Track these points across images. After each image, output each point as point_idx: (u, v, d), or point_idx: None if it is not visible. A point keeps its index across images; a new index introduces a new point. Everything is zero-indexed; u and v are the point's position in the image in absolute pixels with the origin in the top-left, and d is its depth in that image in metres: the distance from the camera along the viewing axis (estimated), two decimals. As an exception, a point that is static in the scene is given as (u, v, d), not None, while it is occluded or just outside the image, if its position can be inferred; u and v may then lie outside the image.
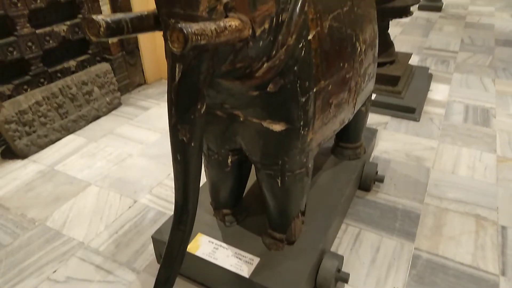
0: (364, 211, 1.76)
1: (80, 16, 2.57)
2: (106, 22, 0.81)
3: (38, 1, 2.31)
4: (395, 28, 4.43)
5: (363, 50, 1.34)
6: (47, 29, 2.39)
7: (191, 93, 0.87)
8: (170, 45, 0.71)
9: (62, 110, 2.42)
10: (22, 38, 2.25)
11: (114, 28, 0.84)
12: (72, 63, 2.61)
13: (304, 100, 1.05)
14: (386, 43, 2.80)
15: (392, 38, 2.95)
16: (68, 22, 2.51)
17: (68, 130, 2.46)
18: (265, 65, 0.98)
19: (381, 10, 2.52)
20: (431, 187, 1.91)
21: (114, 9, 2.74)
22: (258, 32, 0.88)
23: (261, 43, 0.91)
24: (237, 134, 1.20)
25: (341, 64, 1.19)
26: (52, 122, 2.37)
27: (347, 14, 1.20)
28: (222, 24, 0.77)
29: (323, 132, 1.22)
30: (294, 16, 0.97)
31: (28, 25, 2.27)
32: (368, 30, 1.39)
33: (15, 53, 2.23)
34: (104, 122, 2.62)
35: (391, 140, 2.32)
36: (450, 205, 1.79)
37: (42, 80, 2.42)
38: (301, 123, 1.08)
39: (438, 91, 2.95)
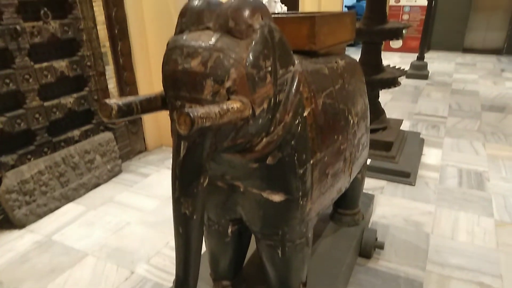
0: (366, 280, 1.72)
1: (87, 89, 2.72)
2: (118, 105, 0.89)
3: (49, 76, 2.46)
4: (385, 95, 4.66)
5: (356, 122, 1.42)
6: (55, 101, 2.51)
7: (194, 168, 0.92)
8: (178, 127, 0.77)
9: (63, 178, 2.46)
10: (31, 111, 2.35)
11: (125, 111, 0.91)
12: (76, 132, 2.70)
13: (301, 171, 1.10)
14: (377, 111, 2.94)
15: (383, 105, 3.11)
16: (75, 95, 2.64)
17: (68, 199, 2.47)
18: (264, 140, 1.05)
19: (371, 81, 2.69)
20: (432, 253, 1.89)
21: (120, 83, 2.90)
22: (257, 111, 0.95)
23: (260, 121, 0.99)
24: (238, 204, 1.23)
25: (336, 137, 1.26)
26: (52, 190, 2.39)
27: (339, 91, 1.30)
28: (225, 106, 0.84)
29: (321, 202, 1.25)
30: (290, 96, 1.05)
31: (37, 98, 2.39)
32: (359, 103, 1.49)
33: (22, 124, 2.32)
34: (104, 190, 2.64)
35: (389, 205, 2.34)
36: (452, 273, 1.76)
37: (46, 149, 2.48)
38: (300, 193, 1.12)
39: (431, 155, 3.03)
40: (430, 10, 5.47)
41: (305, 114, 1.10)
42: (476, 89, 4.97)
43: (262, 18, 0.96)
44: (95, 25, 2.66)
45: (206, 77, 0.90)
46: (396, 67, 2.97)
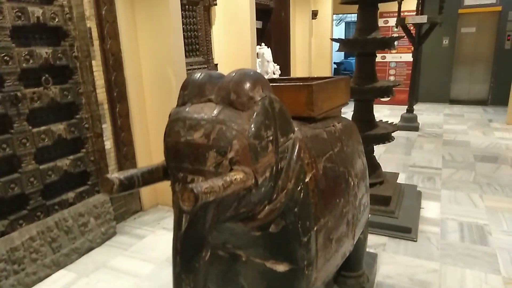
0: None
1: (84, 150, 2.72)
2: (120, 180, 0.88)
3: (46, 139, 2.47)
4: (379, 148, 4.72)
5: (356, 183, 1.42)
6: (51, 164, 2.50)
7: (196, 242, 0.90)
8: (181, 203, 0.76)
9: (55, 244, 2.37)
10: (26, 175, 2.33)
11: (127, 184, 0.90)
12: (70, 194, 2.65)
13: (306, 239, 1.08)
14: (373, 165, 2.96)
15: (377, 157, 3.14)
16: (71, 157, 2.63)
17: (59, 265, 2.37)
18: (266, 208, 1.04)
19: (365, 137, 2.74)
20: (442, 317, 1.81)
21: (117, 143, 2.92)
22: (260, 180, 0.95)
23: (263, 189, 0.98)
24: (239, 275, 1.18)
25: (338, 200, 1.25)
26: (43, 257, 2.29)
27: (338, 154, 1.31)
28: (228, 178, 0.84)
29: (326, 269, 1.21)
30: (292, 163, 1.06)
31: (33, 161, 2.37)
32: (358, 164, 1.50)
33: (16, 189, 2.28)
34: (97, 254, 2.55)
35: (392, 263, 2.27)
36: (466, 338, 1.67)
37: (39, 213, 2.42)
38: (305, 262, 1.09)
39: (429, 209, 3.01)
40: (416, 64, 5.74)
41: (307, 179, 1.10)
42: (466, 139, 5.07)
43: (262, 90, 0.99)
44: (95, 89, 2.73)
45: (209, 149, 0.90)
46: (388, 122, 3.04)
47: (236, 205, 0.95)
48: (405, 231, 2.60)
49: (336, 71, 9.33)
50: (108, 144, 2.88)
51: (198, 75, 1.06)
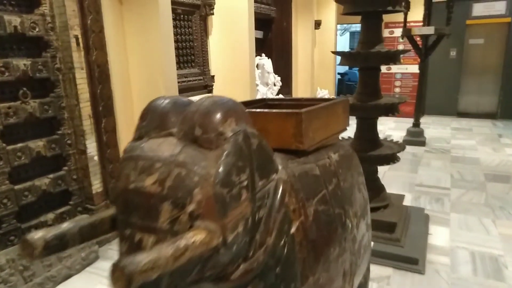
0: None
1: (66, 168, 2.54)
2: (45, 241, 0.68)
3: (23, 157, 2.29)
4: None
5: (355, 224, 1.22)
6: (28, 184, 2.31)
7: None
8: (112, 284, 0.56)
9: (27, 272, 2.17)
10: (-2, 196, 2.15)
11: (56, 245, 0.70)
12: (50, 216, 2.47)
13: (290, 305, 0.87)
14: (377, 188, 2.75)
15: (381, 176, 2.92)
16: (51, 175, 2.45)
17: (31, 296, 2.17)
18: (241, 267, 0.83)
19: (368, 158, 2.53)
20: None
21: (103, 161, 2.73)
22: (230, 238, 0.75)
23: (235, 247, 0.78)
24: None
25: (332, 249, 1.04)
26: (13, 288, 2.10)
27: (334, 192, 1.11)
28: (182, 243, 0.64)
29: (317, 335, 1.00)
30: (273, 211, 0.86)
31: (7, 181, 2.19)
32: (358, 200, 1.30)
33: (-14, 211, 2.10)
34: (75, 282, 2.34)
35: (398, 301, 2.05)
36: None
37: (12, 237, 2.24)
38: (289, 334, 0.88)
39: (438, 235, 2.78)
40: (422, 77, 5.54)
41: (293, 230, 0.90)
42: (476, 156, 4.83)
43: (236, 123, 0.79)
44: (79, 102, 2.55)
45: (163, 200, 0.71)
46: (393, 138, 2.83)
47: (199, 268, 0.75)
48: (412, 262, 2.38)
49: (340, 82, 9.14)
50: (96, 159, 2.70)
51: (160, 101, 0.87)
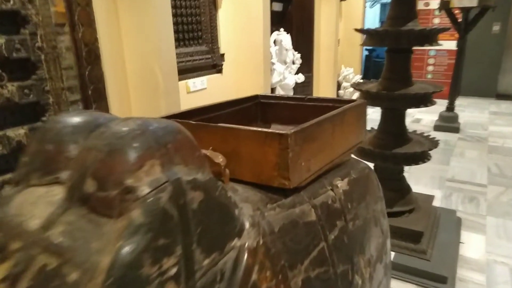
0: None
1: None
2: None
3: (0, 147, 2.06)
4: (411, 154, 4.08)
5: (367, 276, 0.89)
6: (6, 176, 2.09)
7: None
8: None
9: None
10: (-27, 191, 1.93)
11: None
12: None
13: None
14: (402, 189, 2.39)
15: (407, 167, 2.53)
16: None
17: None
18: None
19: (393, 156, 2.16)
20: None
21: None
22: None
23: None
24: None
25: (330, 328, 0.73)
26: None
27: (337, 242, 0.78)
28: None
29: None
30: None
31: (-17, 175, 1.97)
32: (374, 238, 0.96)
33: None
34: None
35: (420, 331, 1.73)
36: None
37: None
38: None
39: (471, 245, 2.41)
40: (460, 55, 4.95)
41: (265, 323, 0.58)
42: (517, 146, 4.32)
43: (162, 168, 0.47)
44: (65, 86, 2.28)
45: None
46: (425, 134, 2.43)
47: None
48: (440, 281, 2.04)
49: (368, 59, 8.52)
50: (84, 150, 2.46)
51: (62, 119, 0.56)
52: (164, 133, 0.50)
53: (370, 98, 2.16)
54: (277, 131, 0.66)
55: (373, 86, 2.27)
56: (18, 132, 2.13)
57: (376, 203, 1.02)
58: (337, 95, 5.80)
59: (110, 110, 2.51)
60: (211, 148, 0.73)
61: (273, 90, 4.51)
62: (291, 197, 0.72)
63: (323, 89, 5.50)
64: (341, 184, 0.86)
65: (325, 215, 0.76)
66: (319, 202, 0.76)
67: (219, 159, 0.69)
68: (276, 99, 1.16)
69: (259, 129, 0.69)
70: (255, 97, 1.16)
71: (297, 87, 4.95)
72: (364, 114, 1.00)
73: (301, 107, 1.07)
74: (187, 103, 3.22)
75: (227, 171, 0.69)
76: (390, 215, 2.27)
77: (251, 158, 0.69)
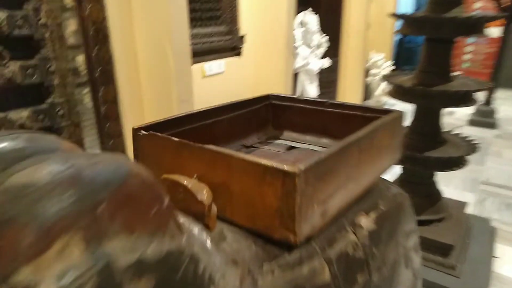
0: None
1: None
2: None
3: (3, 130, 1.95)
4: (442, 150, 3.78)
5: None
6: (9, 161, 2.00)
7: None
8: None
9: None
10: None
11: None
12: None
13: None
14: (432, 195, 2.16)
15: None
16: (39, 151, 2.12)
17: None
18: None
19: (424, 160, 1.93)
20: None
21: (101, 136, 2.36)
22: None
23: None
24: None
25: None
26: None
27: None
28: None
29: None
30: None
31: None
32: (404, 283, 0.77)
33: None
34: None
35: None
36: None
37: None
38: None
39: (507, 261, 2.17)
40: (505, 42, 4.51)
41: None
42: (562, 147, 3.94)
43: (85, 247, 0.29)
44: (71, 67, 2.14)
45: None
46: (463, 136, 2.17)
47: None
48: (469, 302, 1.83)
49: (400, 44, 8.03)
50: (91, 135, 2.33)
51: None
52: (99, 186, 0.32)
53: (402, 93, 1.92)
54: (281, 167, 0.47)
55: (407, 79, 2.01)
56: (21, 115, 2.02)
57: (408, 238, 0.82)
58: (365, 83, 5.48)
59: (119, 95, 2.37)
60: (196, 176, 0.55)
61: (296, 75, 4.26)
62: (297, 249, 0.53)
63: (350, 75, 5.19)
64: (366, 223, 0.66)
65: (342, 271, 0.57)
66: (336, 254, 0.57)
67: (203, 194, 0.51)
68: (291, 101, 0.96)
69: (257, 159, 0.50)
70: (266, 97, 0.97)
71: (322, 72, 4.68)
72: (400, 129, 0.79)
73: (320, 113, 0.87)
74: (202, 89, 3.05)
75: (214, 210, 0.51)
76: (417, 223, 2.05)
77: (245, 197, 0.50)
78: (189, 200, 0.52)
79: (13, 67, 1.93)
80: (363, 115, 0.78)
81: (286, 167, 0.47)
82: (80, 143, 2.30)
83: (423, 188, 2.15)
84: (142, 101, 2.51)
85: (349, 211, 0.65)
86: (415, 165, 1.98)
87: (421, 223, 2.11)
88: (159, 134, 0.64)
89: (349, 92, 5.25)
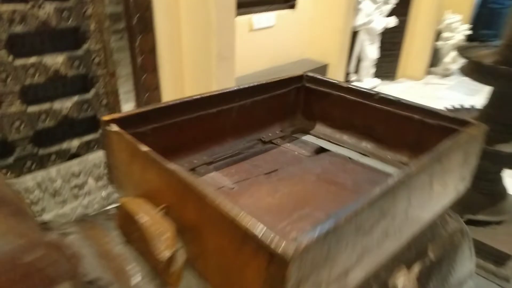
0: None
1: (93, 91, 2.14)
2: None
3: (37, 75, 1.91)
4: None
5: None
6: (45, 106, 1.98)
7: None
8: None
9: (35, 207, 1.96)
10: (8, 118, 1.86)
11: None
12: (74, 143, 2.17)
13: None
14: (495, 193, 1.87)
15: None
16: (74, 98, 2.08)
17: (39, 232, 1.98)
18: None
19: (495, 154, 1.63)
20: None
21: (137, 87, 2.27)
22: None
23: None
24: None
25: None
26: (18, 223, 1.90)
27: None
28: None
29: None
30: None
31: (18, 102, 1.87)
32: None
33: (-5, 134, 1.84)
34: (90, 223, 2.09)
35: None
36: None
37: (29, 163, 2.00)
38: None
39: None
40: None
41: None
42: None
43: None
44: (108, 12, 2.01)
45: None
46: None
47: None
48: (519, 322, 1.59)
49: (482, 4, 7.00)
50: (126, 86, 2.25)
51: None
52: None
53: (479, 72, 1.58)
54: (266, 240, 0.29)
55: (486, 54, 1.66)
56: (56, 60, 1.95)
57: (461, 287, 0.62)
58: (434, 47, 4.88)
59: (157, 44, 2.22)
60: (163, 207, 0.38)
61: (355, 34, 3.85)
62: None
63: (418, 38, 4.63)
64: (406, 283, 0.47)
65: None
66: None
67: (161, 243, 0.34)
68: (331, 86, 0.73)
69: (236, 212, 0.32)
70: (299, 78, 0.75)
71: (386, 32, 4.20)
72: (477, 152, 0.55)
73: (366, 107, 0.65)
74: (248, 43, 2.81)
75: (177, 264, 0.35)
76: (471, 222, 1.80)
77: (219, 258, 0.34)
78: (145, 245, 0.36)
79: (48, 9, 1.84)
80: (424, 121, 0.56)
81: (273, 245, 0.29)
82: (114, 94, 2.22)
83: (485, 184, 1.85)
84: (181, 54, 2.35)
85: (381, 269, 0.46)
86: (482, 159, 1.67)
87: (475, 223, 1.85)
88: (128, 135, 0.47)
89: (414, 57, 4.72)
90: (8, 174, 1.94)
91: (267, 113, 0.73)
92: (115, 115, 0.55)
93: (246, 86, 0.69)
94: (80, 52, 2.03)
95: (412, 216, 0.43)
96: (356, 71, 4.27)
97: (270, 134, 0.74)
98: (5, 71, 1.79)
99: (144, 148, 0.43)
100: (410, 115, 0.60)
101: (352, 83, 0.69)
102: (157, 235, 0.36)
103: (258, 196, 0.55)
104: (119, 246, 0.44)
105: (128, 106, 2.30)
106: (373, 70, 4.31)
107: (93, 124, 2.23)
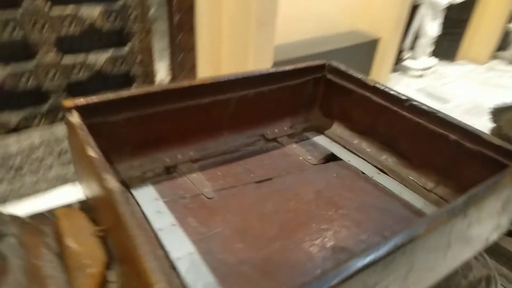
0: None
1: (128, 47, 2.10)
2: None
3: (72, 26, 1.89)
4: None
5: None
6: (79, 58, 1.98)
7: None
8: None
9: (65, 157, 2.02)
10: (43, 67, 1.88)
11: None
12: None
13: None
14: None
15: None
16: (109, 53, 2.07)
17: (66, 180, 2.06)
18: None
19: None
20: None
21: (172, 46, 2.20)
22: None
23: None
24: None
25: None
26: (48, 170, 1.98)
27: None
28: None
29: None
30: None
31: (54, 50, 1.88)
32: None
33: (31, 80, 1.88)
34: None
35: None
36: None
37: (60, 114, 2.05)
38: None
39: None
40: None
41: None
42: None
43: None
44: (147, -36, 1.92)
45: None
46: None
47: None
48: None
49: None
50: (161, 44, 2.19)
51: None
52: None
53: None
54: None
55: None
56: (92, 12, 1.92)
57: None
58: (504, 29, 4.36)
59: (195, 2, 2.12)
60: (101, 230, 0.32)
61: (415, 7, 3.49)
62: None
63: (487, 17, 4.14)
64: None
65: None
66: None
67: (83, 281, 0.28)
68: (356, 83, 0.60)
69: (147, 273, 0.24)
70: (320, 67, 0.63)
71: (451, 8, 3.78)
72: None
73: (393, 114, 0.53)
74: (291, 8, 2.61)
75: None
76: None
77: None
78: (69, 271, 0.30)
79: (86, -44, 1.78)
80: (460, 143, 0.44)
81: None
82: (149, 52, 2.18)
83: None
84: (221, 15, 2.23)
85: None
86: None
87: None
88: (82, 130, 0.40)
89: (480, 38, 4.26)
90: (42, 121, 1.99)
91: (275, 105, 0.62)
92: (79, 101, 0.48)
93: (250, 74, 0.59)
94: (116, 5, 1.98)
95: (423, 275, 0.34)
96: (412, 47, 3.93)
97: (276, 130, 0.64)
98: (41, 19, 1.78)
99: (91, 152, 0.36)
100: (445, 133, 0.47)
101: (378, 84, 0.56)
102: (81, 266, 0.30)
103: (237, 213, 0.47)
104: (48, 265, 0.39)
105: (162, 65, 2.25)
106: (430, 48, 3.94)
107: (126, 80, 2.22)
